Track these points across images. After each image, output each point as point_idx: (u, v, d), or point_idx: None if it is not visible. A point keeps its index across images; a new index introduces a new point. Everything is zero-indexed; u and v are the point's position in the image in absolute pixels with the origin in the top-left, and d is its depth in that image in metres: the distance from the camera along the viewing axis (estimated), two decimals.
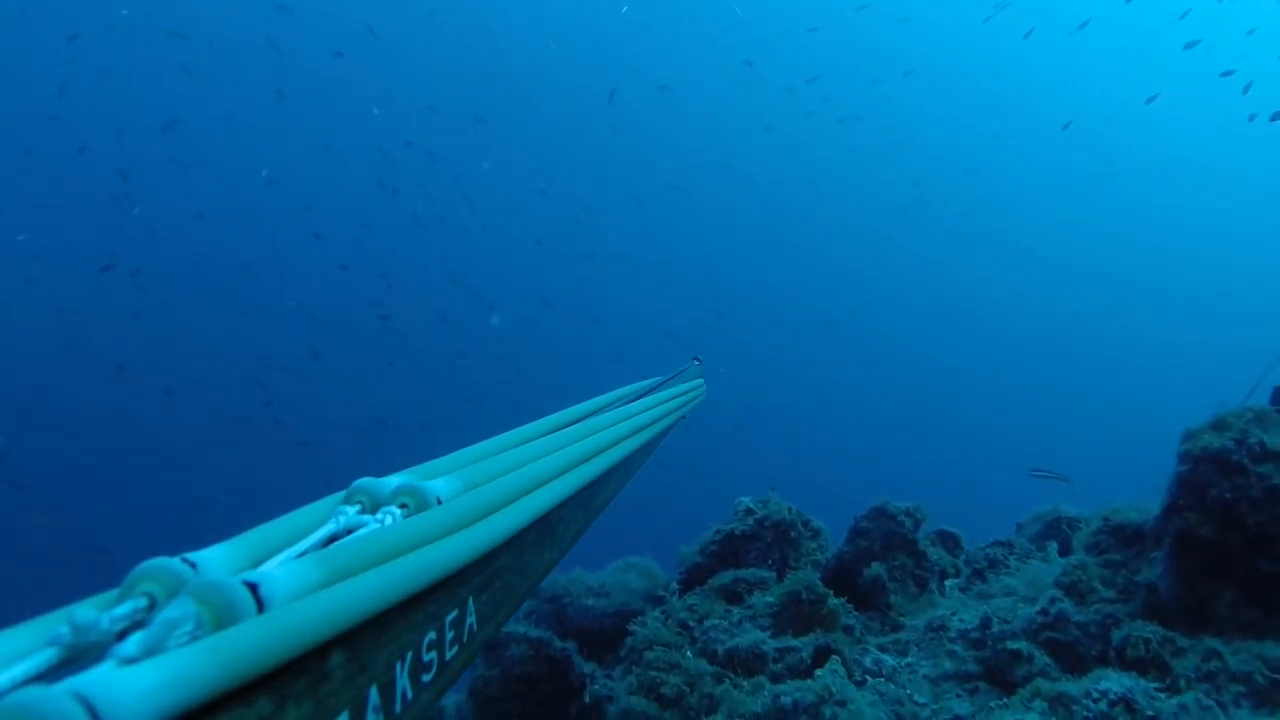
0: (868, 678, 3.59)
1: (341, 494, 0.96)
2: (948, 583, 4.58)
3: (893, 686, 3.52)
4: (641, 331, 39.70)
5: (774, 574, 4.44)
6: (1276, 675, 2.69)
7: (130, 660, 0.54)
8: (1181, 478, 3.20)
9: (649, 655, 3.68)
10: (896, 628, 4.08)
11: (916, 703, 3.41)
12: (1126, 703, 2.64)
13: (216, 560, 0.73)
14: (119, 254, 29.39)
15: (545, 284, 39.30)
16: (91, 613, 0.58)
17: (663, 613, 4.31)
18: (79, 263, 32.12)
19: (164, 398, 31.28)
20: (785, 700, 3.18)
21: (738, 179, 44.33)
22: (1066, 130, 34.67)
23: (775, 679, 3.54)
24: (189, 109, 33.03)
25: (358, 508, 0.93)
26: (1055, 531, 5.27)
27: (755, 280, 46.19)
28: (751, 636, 3.67)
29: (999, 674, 3.36)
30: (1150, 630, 2.99)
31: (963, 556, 4.86)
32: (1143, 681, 2.80)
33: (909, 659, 3.71)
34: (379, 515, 0.92)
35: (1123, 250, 46.24)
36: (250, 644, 0.60)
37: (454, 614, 0.98)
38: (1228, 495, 3.04)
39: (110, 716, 0.47)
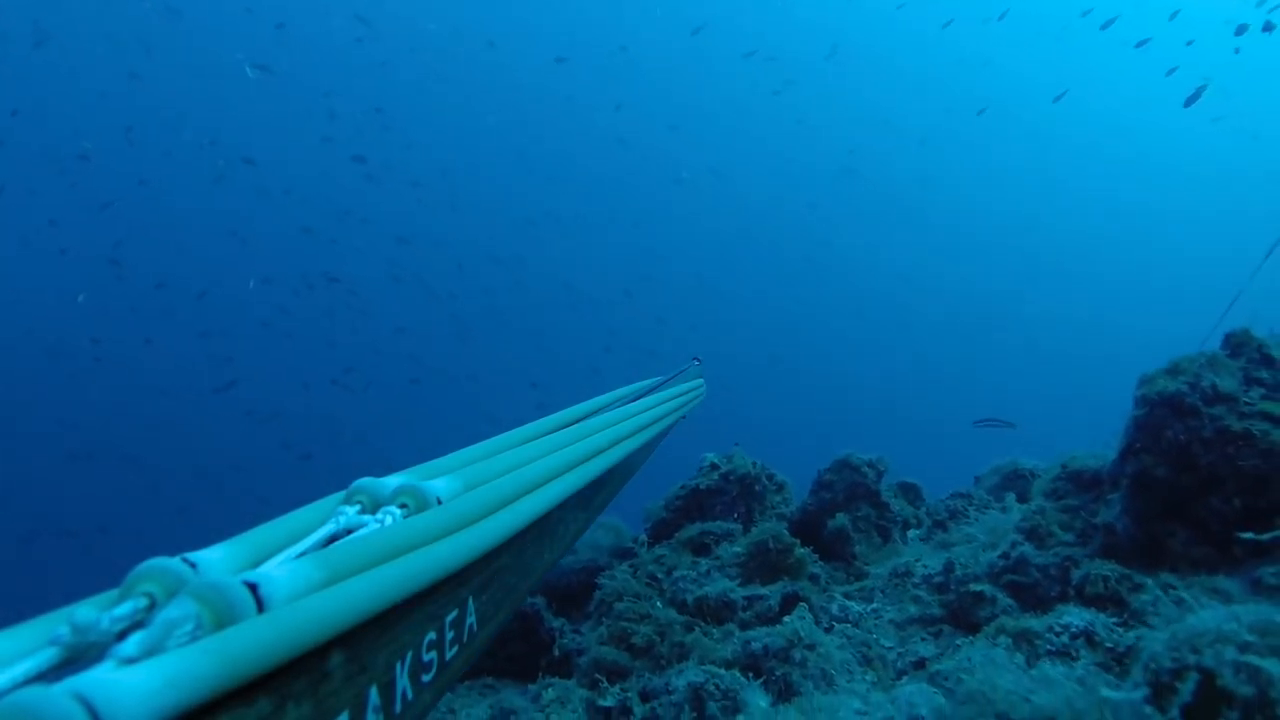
0: (834, 624, 3.65)
1: (341, 494, 0.96)
2: (910, 533, 4.68)
3: (859, 631, 3.58)
4: (598, 293, 39.83)
5: (740, 526, 4.49)
6: (1229, 607, 2.78)
7: (130, 660, 0.55)
8: (1138, 421, 3.28)
9: (619, 606, 3.71)
10: (861, 576, 4.16)
11: (883, 645, 3.49)
12: (1088, 635, 2.73)
13: (216, 560, 0.74)
14: (59, 222, 28.66)
15: (499, 248, 39.20)
16: (91, 613, 0.58)
17: (631, 566, 4.35)
18: (24, 239, 31.31)
19: (96, 365, 30.64)
20: (755, 645, 3.23)
21: (684, 142, 44.49)
22: (993, 113, 35.41)
23: (744, 626, 3.59)
24: (140, 71, 32.10)
25: (358, 508, 0.93)
26: (1013, 483, 5.40)
27: (710, 241, 46.52)
28: (720, 585, 3.72)
29: (963, 616, 3.45)
30: (1109, 568, 3.07)
31: (924, 508, 4.96)
32: (1102, 616, 2.89)
33: (874, 605, 3.78)
34: (379, 515, 0.92)
35: (1044, 226, 47.94)
36: (250, 644, 0.60)
37: (454, 614, 0.99)
38: (1182, 437, 3.13)
39: (110, 716, 0.47)
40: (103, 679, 0.49)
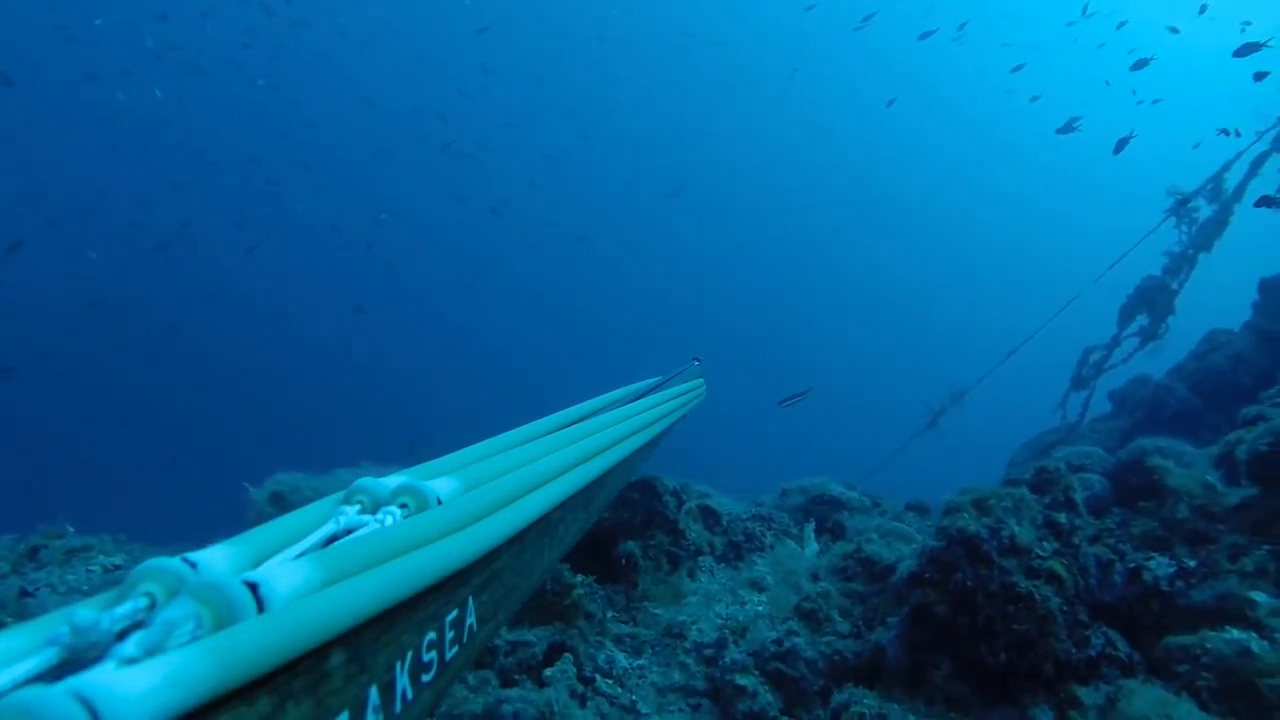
0: (597, 676, 3.55)
1: (341, 494, 0.94)
2: (701, 559, 4.61)
3: (621, 692, 3.50)
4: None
5: None
6: None
7: (131, 660, 0.55)
8: (933, 554, 3.24)
9: None
10: (638, 611, 4.06)
11: (639, 712, 3.41)
12: None
13: (217, 560, 0.73)
14: None
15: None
16: (91, 613, 0.58)
17: None
18: None
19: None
20: (507, 709, 3.08)
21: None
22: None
23: (503, 673, 3.43)
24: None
25: (358, 508, 0.92)
26: (818, 507, 5.42)
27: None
28: None
29: (722, 700, 3.39)
30: (868, 703, 3.05)
31: (719, 529, 4.89)
32: None
33: (642, 660, 3.69)
34: (379, 515, 0.91)
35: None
36: (250, 644, 0.60)
37: (454, 614, 0.97)
38: (969, 584, 3.10)
39: (110, 716, 0.47)
40: (103, 679, 0.49)
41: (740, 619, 3.81)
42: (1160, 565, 3.41)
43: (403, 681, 0.84)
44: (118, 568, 4.52)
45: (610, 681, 3.56)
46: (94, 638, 0.56)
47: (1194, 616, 3.20)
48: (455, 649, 0.98)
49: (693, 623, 3.80)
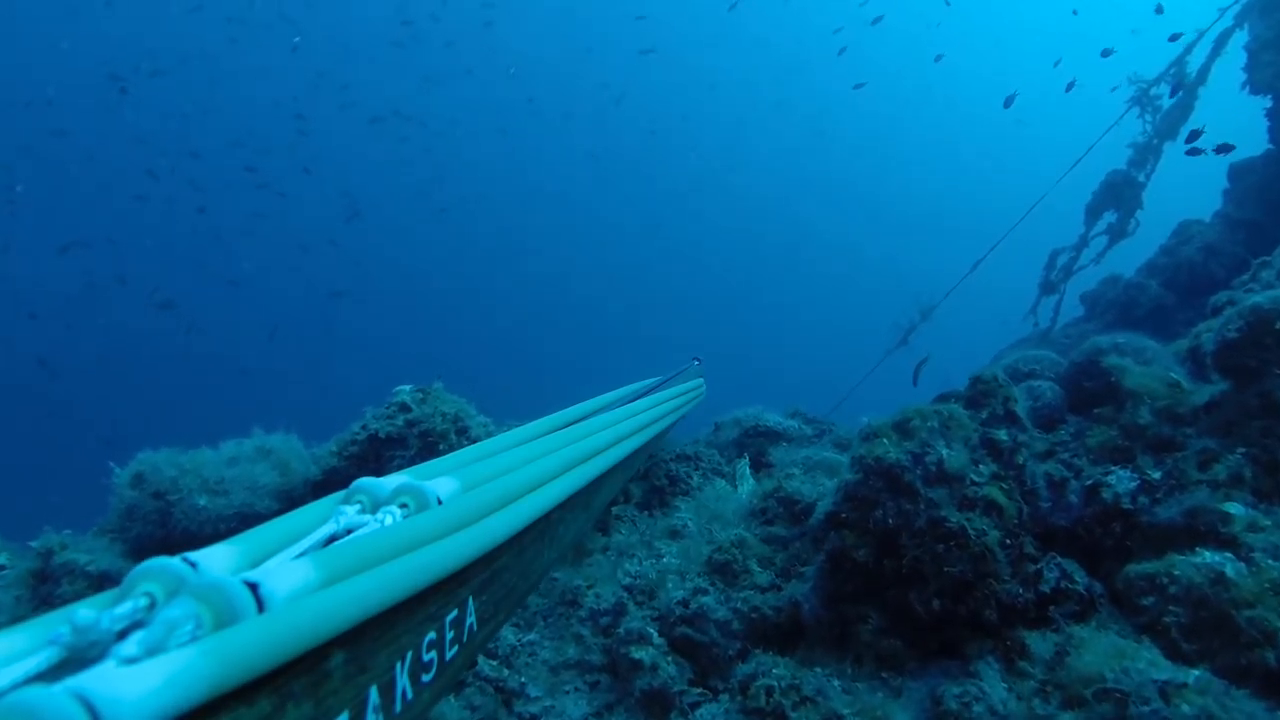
0: (478, 658, 3.06)
1: (341, 494, 0.92)
2: (614, 509, 4.11)
3: (507, 672, 3.01)
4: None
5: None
6: None
7: (131, 660, 0.53)
8: (849, 488, 2.73)
9: None
10: None
11: (529, 695, 2.92)
12: None
13: (216, 560, 0.71)
14: None
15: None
16: (91, 613, 0.56)
17: None
18: None
19: None
20: None
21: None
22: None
23: None
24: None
25: (358, 508, 0.90)
26: (752, 440, 4.92)
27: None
28: None
29: (622, 675, 2.91)
30: (779, 672, 2.57)
31: (641, 471, 4.40)
32: None
33: (532, 635, 3.20)
34: (379, 515, 0.89)
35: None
36: (250, 644, 0.58)
37: (454, 614, 0.95)
38: (891, 521, 2.60)
39: (110, 716, 0.45)
40: (103, 678, 0.48)
41: (652, 576, 3.32)
42: (1120, 480, 2.92)
43: (403, 681, 0.80)
44: None
45: (495, 663, 3.07)
46: (94, 637, 0.55)
47: (1161, 536, 2.72)
48: (455, 649, 0.95)
49: (589, 586, 3.30)
